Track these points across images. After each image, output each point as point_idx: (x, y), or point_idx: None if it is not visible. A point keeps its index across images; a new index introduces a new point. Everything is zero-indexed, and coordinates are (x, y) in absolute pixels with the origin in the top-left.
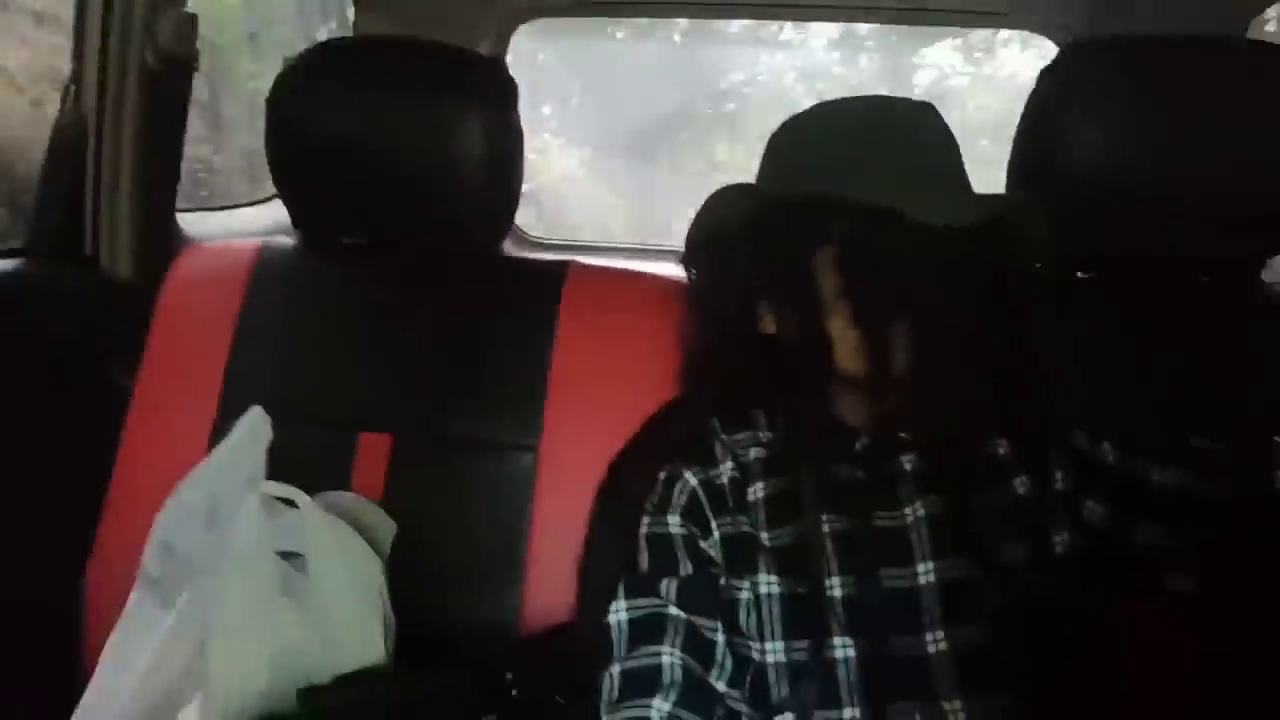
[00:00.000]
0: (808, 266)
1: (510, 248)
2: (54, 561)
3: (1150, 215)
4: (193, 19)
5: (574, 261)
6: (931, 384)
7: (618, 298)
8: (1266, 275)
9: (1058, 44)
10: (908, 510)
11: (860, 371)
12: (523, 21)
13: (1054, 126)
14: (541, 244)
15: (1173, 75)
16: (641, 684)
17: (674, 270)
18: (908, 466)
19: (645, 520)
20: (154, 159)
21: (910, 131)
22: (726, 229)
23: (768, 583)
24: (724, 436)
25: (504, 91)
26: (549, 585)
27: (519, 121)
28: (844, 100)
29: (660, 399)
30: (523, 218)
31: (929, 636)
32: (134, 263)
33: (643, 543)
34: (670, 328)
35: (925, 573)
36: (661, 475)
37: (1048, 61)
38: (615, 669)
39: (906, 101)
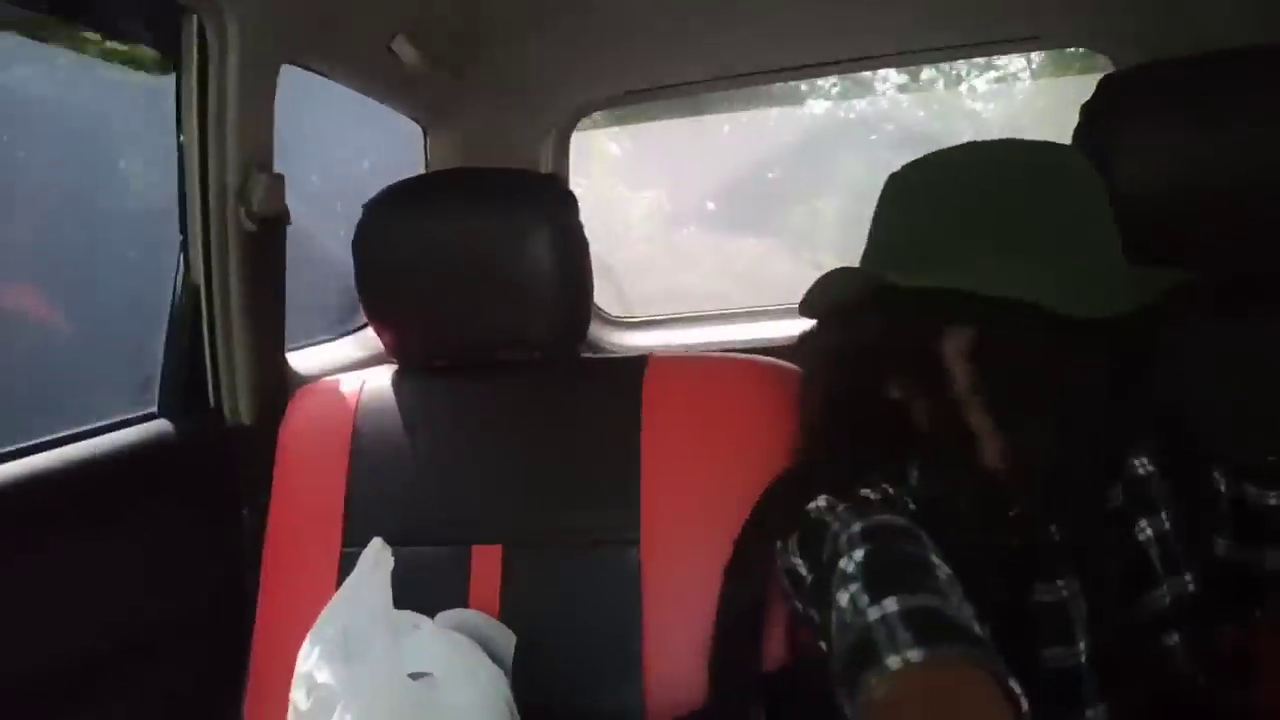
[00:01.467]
0: (938, 353)
1: (595, 329)
2: (210, 705)
3: (1217, 232)
4: (280, 180)
5: (652, 354)
6: (1075, 475)
7: (697, 383)
8: None
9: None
10: (1060, 583)
11: (1002, 468)
12: (578, 121)
13: (1106, 159)
14: (624, 323)
15: (1216, 90)
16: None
17: (756, 333)
18: (1056, 536)
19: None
20: (261, 311)
21: (1053, 190)
22: (843, 309)
23: None
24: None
25: (564, 203)
26: (669, 675)
27: (582, 231)
28: (976, 145)
29: (753, 479)
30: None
31: (1089, 713)
32: (253, 409)
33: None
34: (755, 408)
35: (1084, 649)
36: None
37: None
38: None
39: (1048, 150)
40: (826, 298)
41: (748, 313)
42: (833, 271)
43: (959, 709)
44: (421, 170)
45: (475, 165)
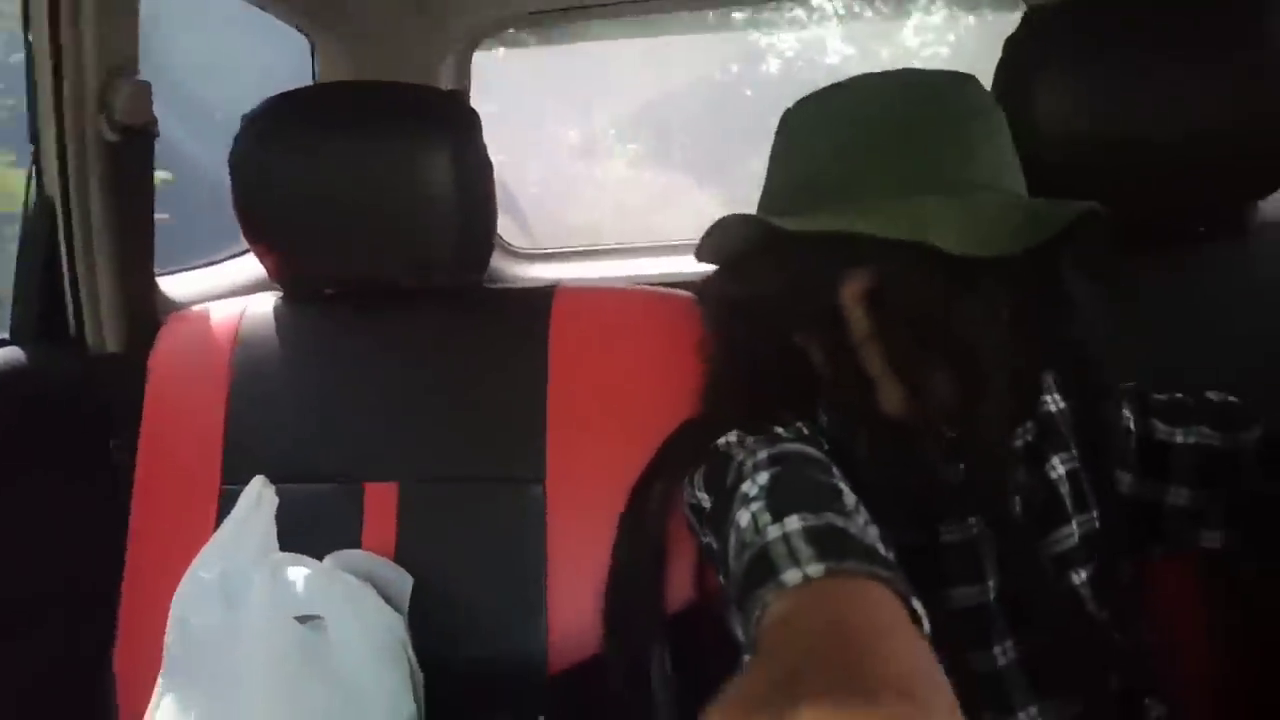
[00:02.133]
0: (834, 300)
1: (498, 261)
2: (79, 655)
3: (1134, 172)
4: (147, 87)
5: (560, 285)
6: (979, 418)
7: (607, 317)
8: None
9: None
10: (971, 521)
11: (904, 413)
12: (480, 42)
13: (1026, 95)
14: (529, 255)
15: (1141, 26)
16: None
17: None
18: (960, 475)
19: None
20: (126, 231)
21: (950, 116)
22: (740, 257)
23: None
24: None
25: (467, 123)
26: (573, 618)
27: (486, 152)
28: (869, 77)
29: (662, 417)
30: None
31: (997, 650)
32: (119, 336)
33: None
34: (664, 345)
35: (993, 588)
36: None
37: None
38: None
39: (942, 75)
40: (723, 244)
41: (657, 247)
42: (725, 218)
43: (856, 619)
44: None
45: (367, 78)
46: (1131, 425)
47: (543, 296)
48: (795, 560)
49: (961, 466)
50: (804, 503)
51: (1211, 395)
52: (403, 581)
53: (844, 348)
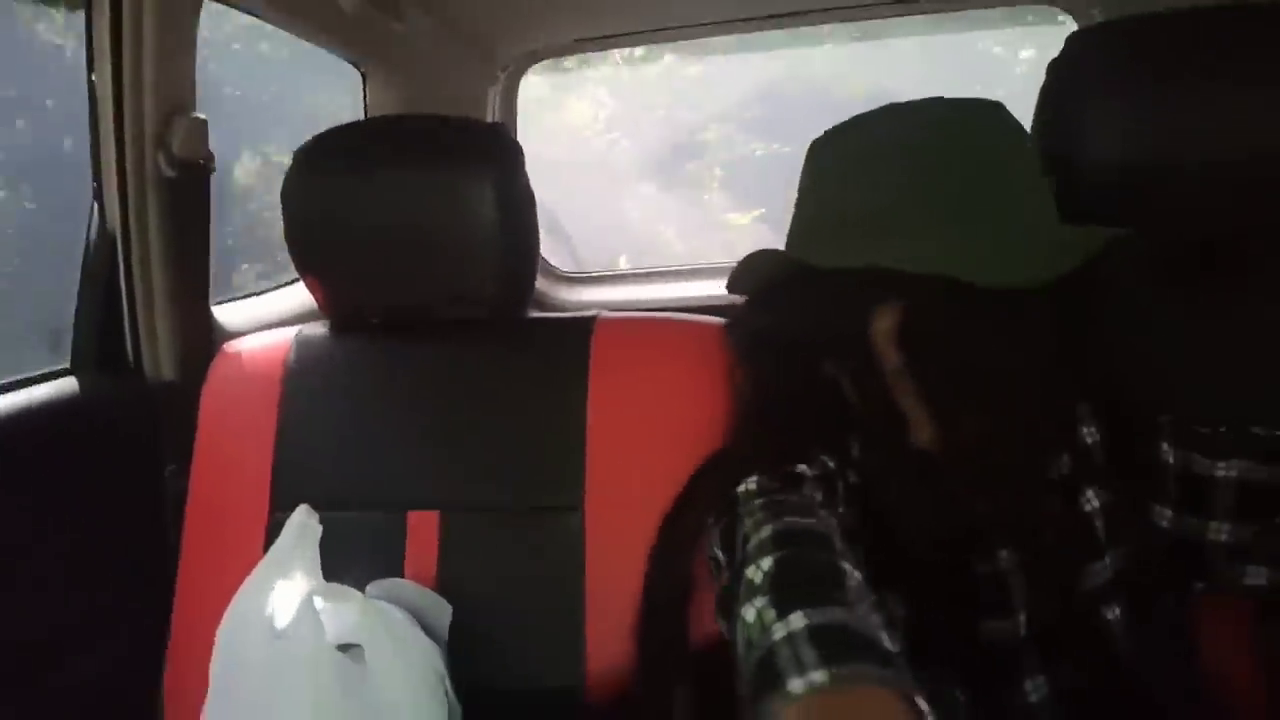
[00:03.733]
0: (865, 334)
1: (544, 284)
2: (130, 678)
3: (1185, 195)
4: (203, 124)
5: (600, 314)
6: (1010, 450)
7: (647, 347)
8: None
9: (1078, 20)
10: (1002, 554)
11: (935, 447)
12: (525, 69)
13: (1073, 119)
14: (573, 278)
15: (1187, 49)
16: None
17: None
18: (991, 508)
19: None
20: (183, 263)
21: (979, 148)
22: (770, 289)
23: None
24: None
25: (510, 156)
26: (611, 648)
27: (528, 184)
28: (895, 108)
29: (700, 446)
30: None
31: (1029, 684)
32: (175, 365)
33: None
34: (703, 373)
35: (1024, 622)
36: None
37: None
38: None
39: (971, 105)
40: (753, 276)
41: (700, 269)
42: (755, 254)
43: None
44: (360, 117)
45: (417, 110)
46: (1170, 458)
47: (583, 326)
48: (800, 667)
49: (992, 497)
50: (808, 596)
51: (1257, 430)
52: (442, 611)
53: (875, 382)
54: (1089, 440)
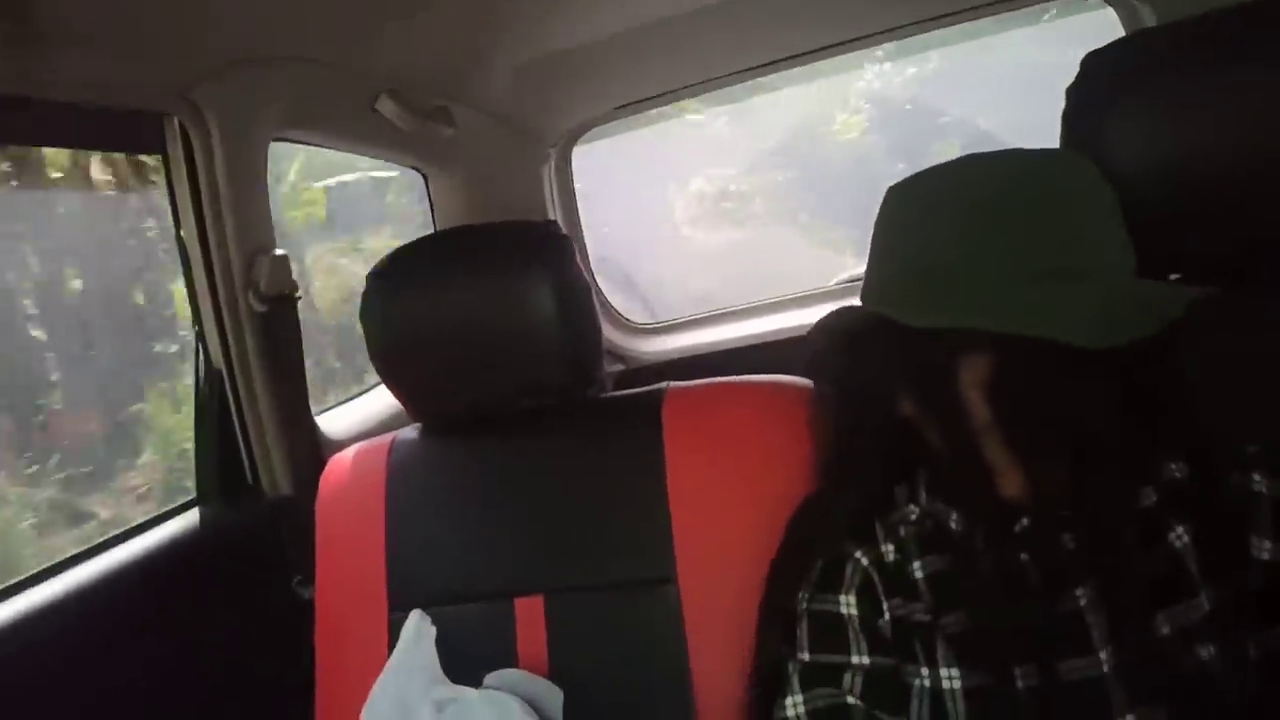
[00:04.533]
0: (954, 387)
1: (620, 338)
2: None
3: (1220, 208)
4: (284, 259)
5: (669, 386)
6: (1096, 497)
7: (717, 411)
8: None
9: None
10: (1079, 592)
11: (1022, 498)
12: (574, 142)
13: (1095, 142)
14: (645, 329)
15: (1213, 54)
16: None
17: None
18: (1070, 545)
19: (806, 598)
20: (283, 385)
21: (1060, 200)
22: (854, 338)
23: (949, 675)
24: (878, 518)
25: (561, 249)
26: (720, 713)
27: (582, 273)
28: (975, 159)
29: (781, 504)
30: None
31: None
32: (290, 479)
33: (806, 620)
34: (774, 432)
35: (1107, 658)
36: (823, 560)
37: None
38: None
39: (1049, 156)
40: (836, 331)
41: (767, 304)
42: (843, 310)
43: None
44: (427, 212)
45: (479, 202)
46: (1264, 488)
47: (653, 399)
48: None
49: (1071, 535)
50: None
51: None
52: (555, 696)
53: (963, 435)
54: (1176, 475)
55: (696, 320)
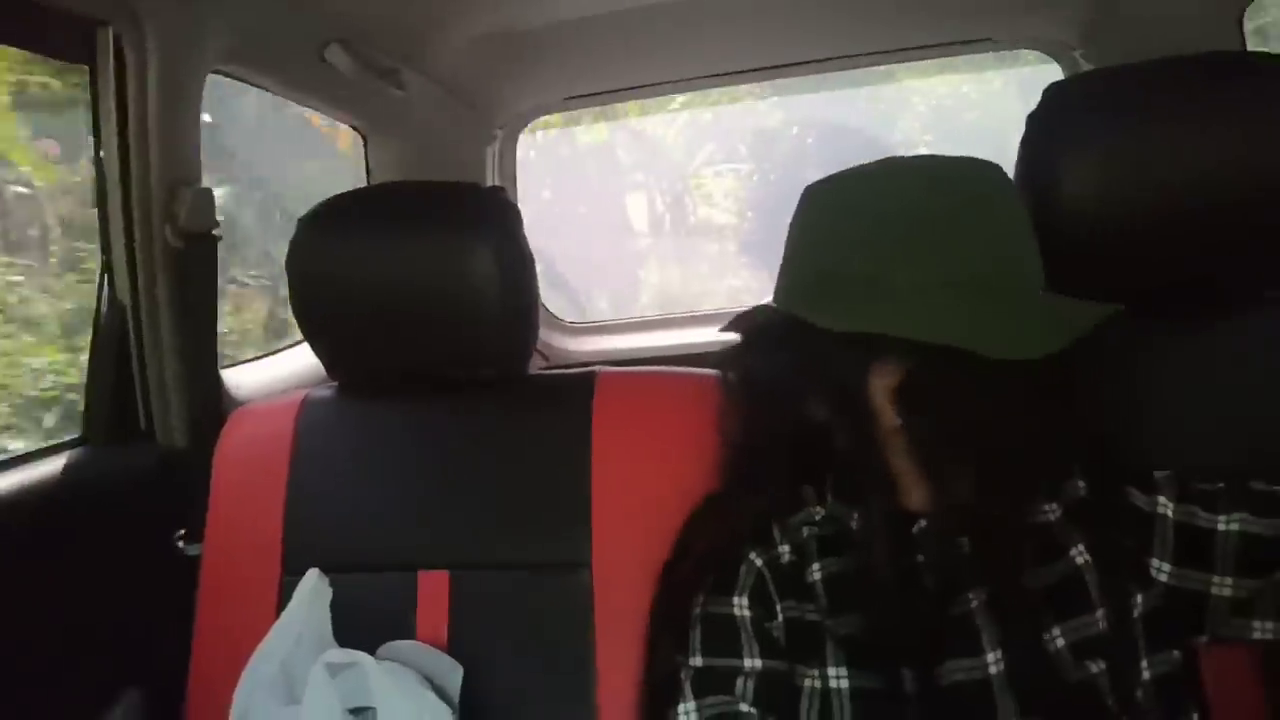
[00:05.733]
0: (862, 390)
1: (548, 335)
2: None
3: (1163, 245)
4: (208, 194)
5: (601, 370)
6: (995, 504)
7: (648, 400)
8: None
9: (1060, 62)
10: (970, 596)
11: (924, 505)
12: (521, 128)
13: (1050, 170)
14: (576, 329)
15: (1166, 97)
16: None
17: (707, 336)
18: (966, 549)
19: (701, 600)
20: (192, 331)
21: (980, 211)
22: (765, 334)
23: (837, 676)
24: (777, 519)
25: (507, 218)
26: (621, 704)
27: (527, 245)
28: (891, 163)
29: (705, 495)
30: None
31: None
32: (187, 432)
33: (700, 626)
34: (704, 425)
35: (995, 662)
36: (717, 563)
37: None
38: None
39: (965, 164)
40: (751, 326)
41: (697, 317)
42: (756, 308)
43: None
44: (362, 181)
45: (418, 173)
46: (1170, 512)
47: (585, 382)
48: None
49: (968, 540)
50: None
51: (1256, 485)
52: (453, 672)
53: (870, 439)
54: (1081, 494)
55: (627, 324)
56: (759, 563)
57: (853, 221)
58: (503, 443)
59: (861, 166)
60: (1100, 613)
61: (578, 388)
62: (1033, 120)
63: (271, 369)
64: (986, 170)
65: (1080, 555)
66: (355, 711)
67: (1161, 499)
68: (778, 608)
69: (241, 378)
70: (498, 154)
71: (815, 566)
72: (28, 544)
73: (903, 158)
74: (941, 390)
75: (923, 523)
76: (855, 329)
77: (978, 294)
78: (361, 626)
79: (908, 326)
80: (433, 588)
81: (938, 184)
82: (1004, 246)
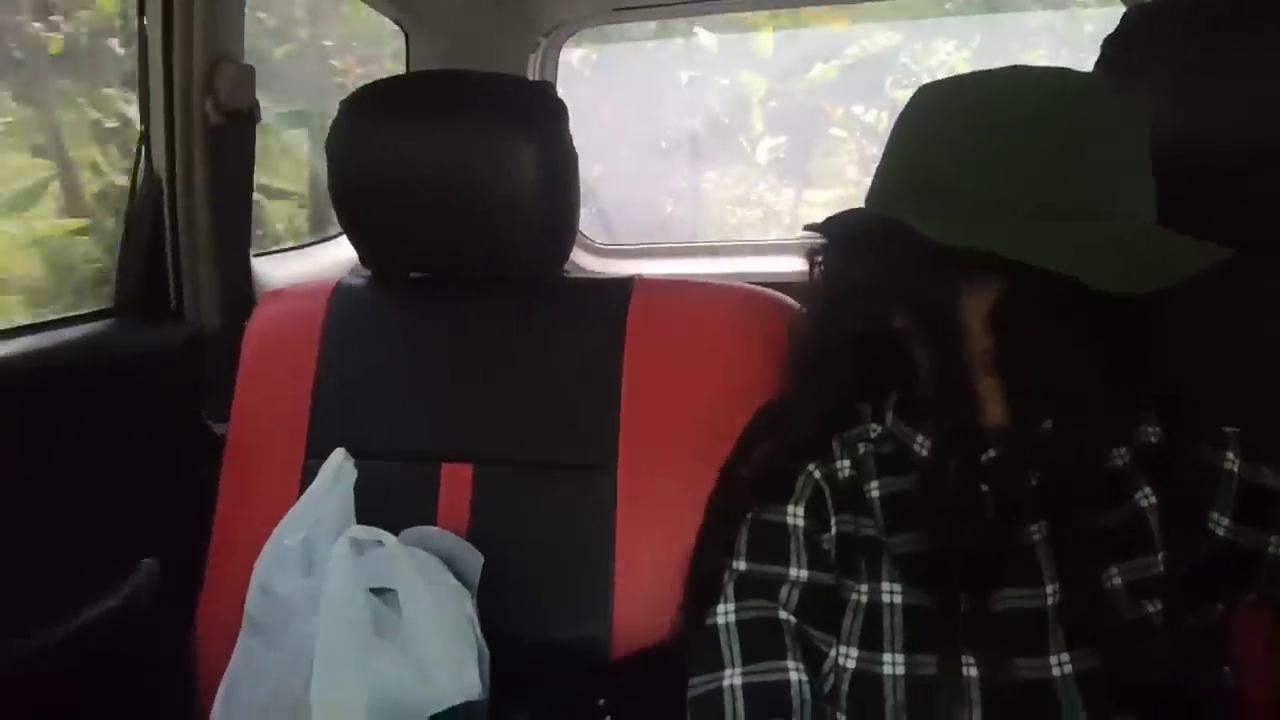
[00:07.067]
0: (955, 307)
1: (581, 256)
2: (165, 611)
3: (1248, 179)
4: (250, 72)
5: (639, 275)
6: (1072, 439)
7: (685, 309)
8: None
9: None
10: (1034, 529)
11: (999, 424)
12: (565, 39)
13: (1141, 73)
14: (610, 251)
15: (1255, 21)
16: (770, 704)
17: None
18: (1034, 482)
19: (755, 507)
20: (226, 210)
21: (1100, 134)
22: (861, 239)
23: (890, 591)
24: (836, 433)
25: (555, 115)
26: (638, 604)
27: (571, 143)
28: (1010, 73)
29: (735, 411)
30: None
31: (1053, 660)
32: (217, 313)
33: (749, 530)
34: (742, 339)
35: (1052, 593)
36: (775, 470)
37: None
38: (736, 681)
39: (1089, 83)
40: (840, 226)
41: (738, 246)
42: (845, 211)
43: None
44: None
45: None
46: (1235, 467)
47: (622, 288)
48: None
49: (1035, 472)
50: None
51: None
52: (473, 559)
53: (955, 357)
54: (1153, 439)
55: (660, 249)
56: (817, 475)
57: (970, 131)
58: (534, 342)
59: (985, 72)
60: (1161, 555)
61: (614, 291)
62: (1110, 44)
63: (304, 261)
64: (1108, 90)
65: (1145, 498)
66: (375, 592)
67: (1229, 454)
68: (832, 520)
69: (272, 268)
70: (539, 65)
71: (874, 484)
72: (52, 408)
73: (1029, 67)
74: (1038, 315)
75: (992, 452)
76: (966, 244)
77: (1092, 222)
78: (382, 513)
79: (1020, 248)
80: (455, 480)
81: (1060, 100)
82: (1124, 174)
